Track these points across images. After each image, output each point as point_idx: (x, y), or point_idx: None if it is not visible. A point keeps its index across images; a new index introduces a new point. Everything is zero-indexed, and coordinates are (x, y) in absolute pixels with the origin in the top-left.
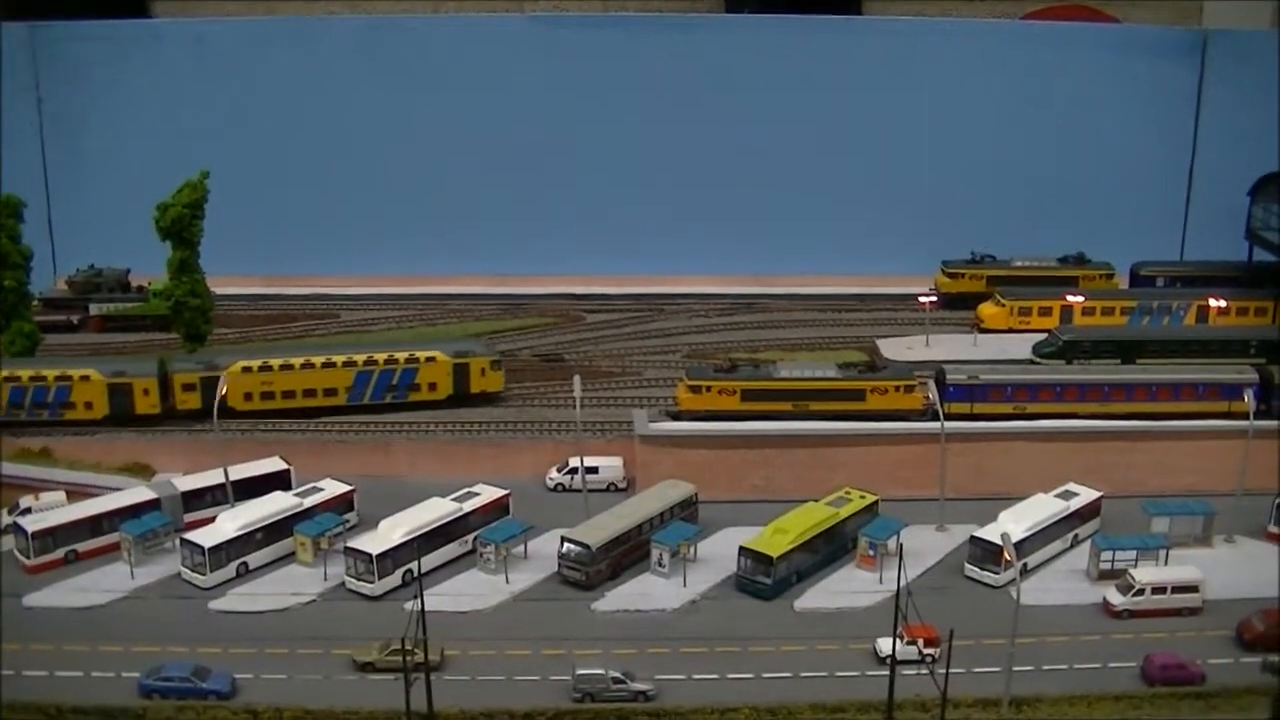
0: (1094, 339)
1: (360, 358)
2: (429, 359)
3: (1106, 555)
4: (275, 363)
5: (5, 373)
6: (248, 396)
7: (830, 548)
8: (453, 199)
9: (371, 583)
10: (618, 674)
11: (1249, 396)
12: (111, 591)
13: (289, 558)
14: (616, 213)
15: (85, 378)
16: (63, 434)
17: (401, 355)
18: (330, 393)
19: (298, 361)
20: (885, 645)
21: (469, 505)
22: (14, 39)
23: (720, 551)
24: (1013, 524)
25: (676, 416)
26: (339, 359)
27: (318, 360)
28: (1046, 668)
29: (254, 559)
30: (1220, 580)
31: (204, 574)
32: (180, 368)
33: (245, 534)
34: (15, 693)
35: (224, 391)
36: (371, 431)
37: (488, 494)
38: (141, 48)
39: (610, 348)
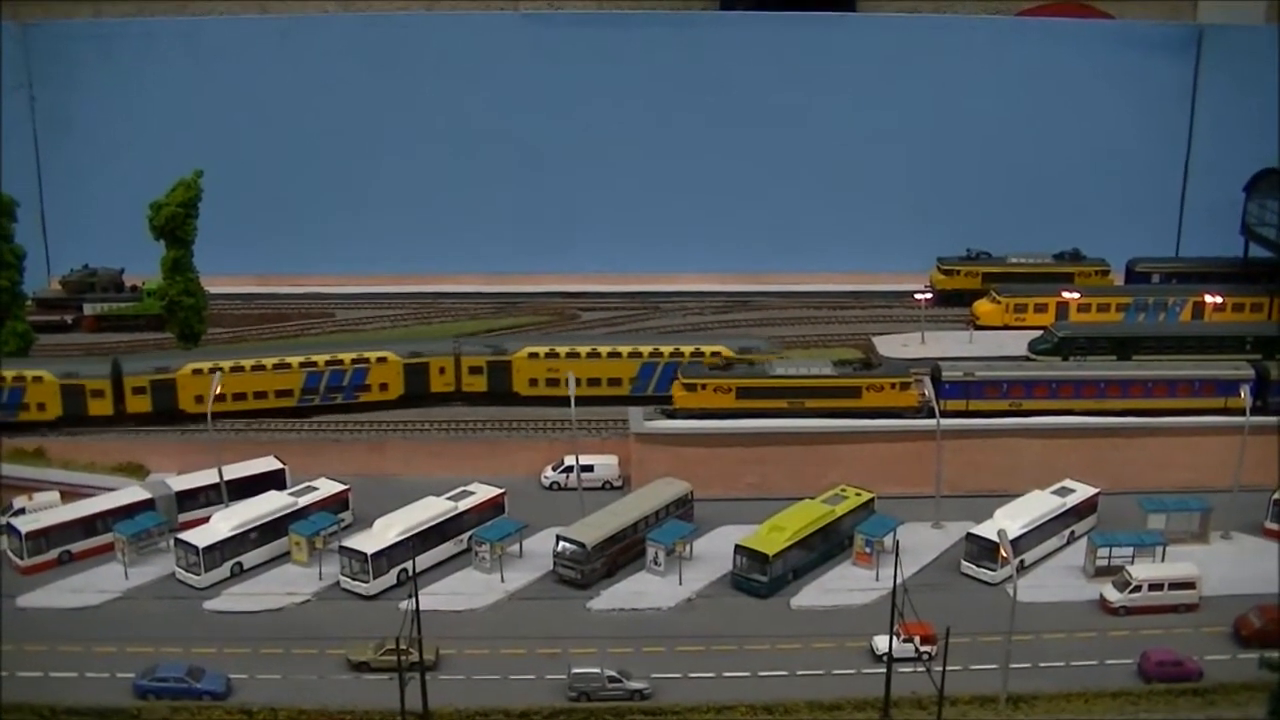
0: (1089, 335)
1: (646, 349)
2: (714, 354)
3: (1103, 552)
4: (562, 350)
5: (301, 358)
6: (533, 383)
7: (826, 545)
8: (447, 197)
9: (366, 582)
10: (613, 673)
11: (1245, 392)
12: (106, 592)
13: (284, 557)
14: (611, 210)
15: (382, 359)
16: (356, 415)
17: (688, 349)
18: (614, 382)
19: (585, 350)
20: (882, 643)
21: (464, 504)
22: (6, 37)
23: (716, 549)
24: (1009, 521)
25: (672, 414)
26: (624, 349)
27: (604, 350)
28: (1043, 665)
29: (249, 559)
30: (1217, 576)
31: (198, 574)
32: (467, 350)
33: (240, 534)
34: (10, 694)
35: (218, 390)
36: (366, 430)
37: (483, 493)
38: (134, 46)
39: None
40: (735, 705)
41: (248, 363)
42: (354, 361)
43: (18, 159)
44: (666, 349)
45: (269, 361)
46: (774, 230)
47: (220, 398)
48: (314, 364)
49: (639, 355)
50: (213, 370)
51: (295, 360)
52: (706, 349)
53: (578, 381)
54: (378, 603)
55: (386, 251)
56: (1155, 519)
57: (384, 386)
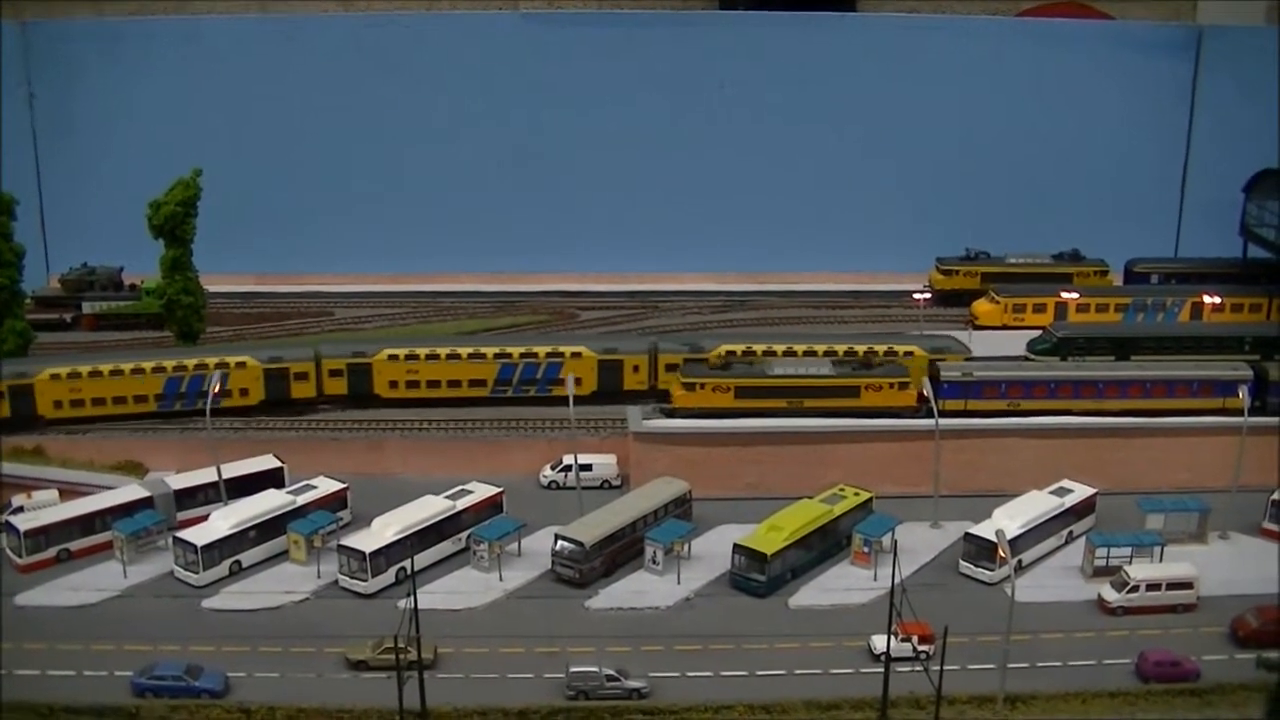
0: (1088, 336)
1: (840, 348)
2: (907, 353)
3: (1101, 552)
4: (759, 348)
5: (496, 349)
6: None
7: (824, 545)
8: (445, 196)
9: (365, 581)
10: (611, 671)
11: (1243, 393)
12: (104, 590)
13: (282, 556)
14: (610, 210)
15: (577, 354)
16: (542, 409)
17: (881, 348)
18: None
19: (781, 348)
20: (880, 642)
21: (462, 503)
22: (6, 36)
23: (714, 549)
24: (1007, 521)
25: (670, 414)
26: (819, 348)
27: (799, 348)
28: (1041, 665)
29: (247, 557)
30: (1215, 577)
31: (197, 572)
32: (665, 348)
33: (238, 532)
34: (8, 692)
35: (216, 389)
36: (365, 429)
37: (481, 491)
38: (134, 45)
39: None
40: (733, 704)
41: (443, 351)
42: (548, 355)
43: (17, 158)
44: (860, 348)
45: (464, 351)
46: (773, 230)
47: (414, 383)
48: (509, 355)
49: (833, 354)
50: (409, 356)
51: (490, 350)
52: (899, 348)
53: None
54: (376, 601)
55: (385, 250)
56: (1153, 519)
57: (577, 381)
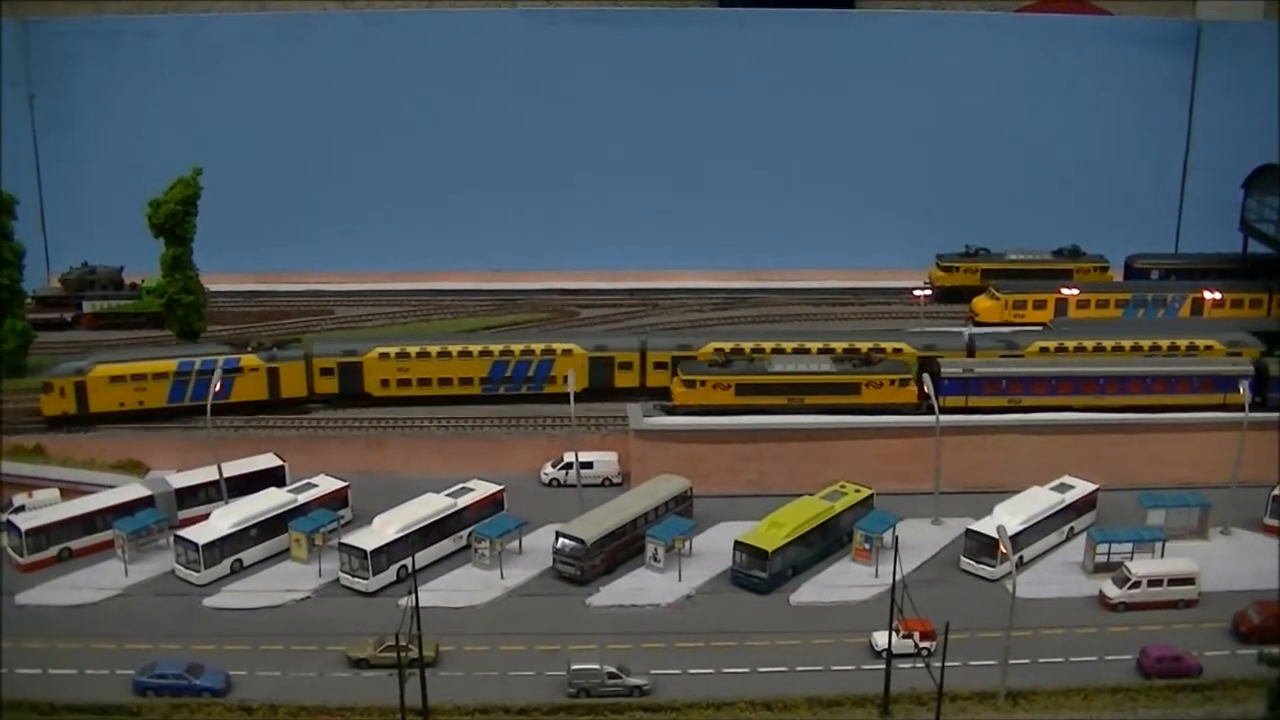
0: (1089, 332)
1: (1145, 343)
2: (1208, 347)
3: (1102, 548)
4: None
5: (820, 345)
6: None
7: (826, 541)
8: (446, 194)
9: (366, 579)
10: (613, 669)
11: (1244, 388)
12: (105, 589)
13: (283, 554)
14: (610, 207)
15: (881, 351)
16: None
17: (1165, 343)
18: None
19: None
20: (881, 639)
21: (463, 501)
22: (6, 34)
23: (715, 546)
24: (1008, 517)
25: (671, 411)
26: (1107, 343)
27: (1073, 345)
28: (1043, 661)
29: (248, 555)
30: (1216, 572)
31: (198, 571)
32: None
33: (239, 531)
34: (9, 691)
35: (217, 386)
36: (366, 427)
37: (482, 489)
38: (133, 43)
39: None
40: (735, 701)
41: (768, 346)
42: (873, 350)
43: (17, 156)
44: (1145, 342)
45: (789, 346)
46: (773, 227)
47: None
48: (831, 350)
49: (1122, 350)
50: (734, 351)
51: (788, 346)
52: (1200, 342)
53: None
54: (377, 599)
55: (385, 248)
56: (1154, 515)
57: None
